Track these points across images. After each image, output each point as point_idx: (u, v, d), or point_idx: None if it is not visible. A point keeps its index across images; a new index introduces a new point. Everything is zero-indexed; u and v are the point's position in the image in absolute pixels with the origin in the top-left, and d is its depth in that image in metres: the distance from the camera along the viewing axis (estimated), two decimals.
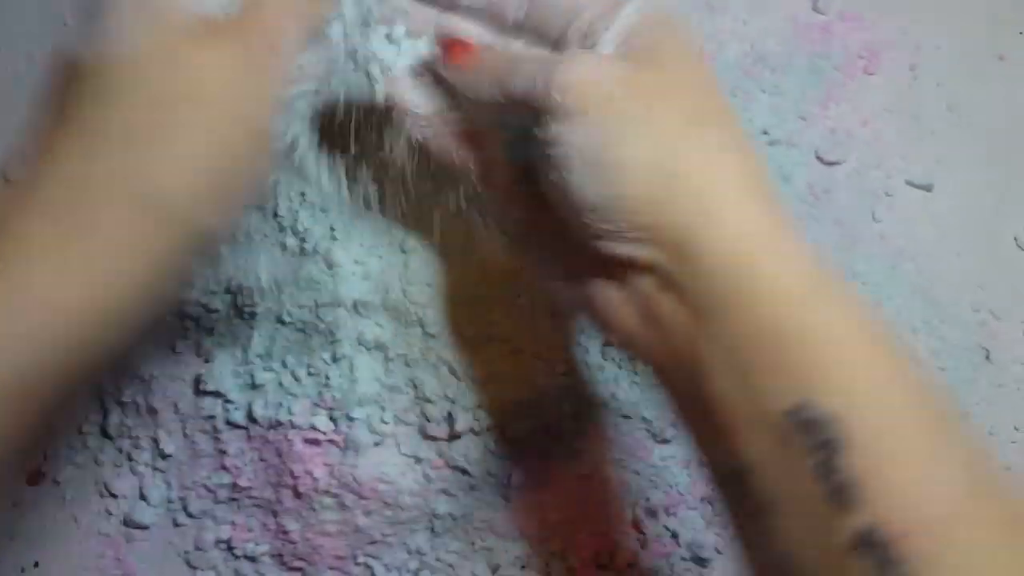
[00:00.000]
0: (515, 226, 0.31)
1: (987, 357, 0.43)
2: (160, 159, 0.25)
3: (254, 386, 0.39)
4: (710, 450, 0.25)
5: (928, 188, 0.45)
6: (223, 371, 0.39)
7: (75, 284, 0.24)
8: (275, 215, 0.38)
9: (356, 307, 0.38)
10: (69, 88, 0.26)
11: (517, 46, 0.28)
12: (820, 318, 0.22)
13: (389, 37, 0.30)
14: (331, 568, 0.40)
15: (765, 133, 0.44)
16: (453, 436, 0.38)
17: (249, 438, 0.40)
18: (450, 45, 0.28)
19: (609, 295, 0.26)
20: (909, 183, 0.45)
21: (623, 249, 0.25)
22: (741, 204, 0.24)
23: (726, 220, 0.24)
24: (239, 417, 0.39)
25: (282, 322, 0.38)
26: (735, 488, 0.23)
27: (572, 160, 0.24)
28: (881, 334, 0.23)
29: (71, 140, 0.25)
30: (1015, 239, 0.45)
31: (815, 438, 0.21)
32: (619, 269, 0.26)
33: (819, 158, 0.45)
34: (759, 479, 0.22)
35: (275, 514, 0.40)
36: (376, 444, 0.38)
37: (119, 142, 0.24)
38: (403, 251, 0.38)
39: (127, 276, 0.24)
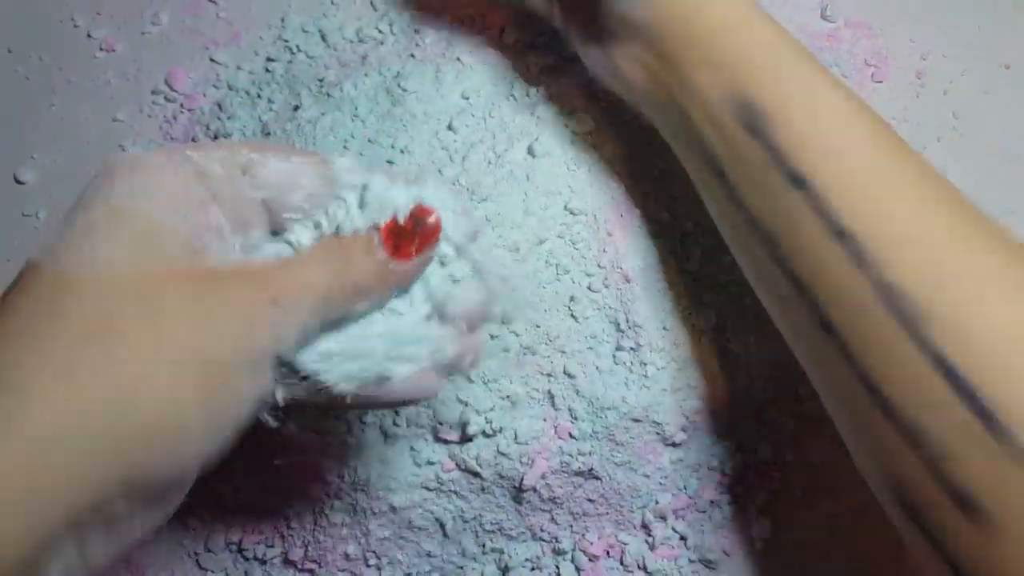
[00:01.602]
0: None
1: None
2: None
3: None
4: (690, 152, 0.34)
5: None
6: None
7: None
8: None
9: None
10: (25, 292, 0.21)
11: None
12: (755, 36, 0.31)
13: None
14: (341, 570, 0.40)
15: None
16: (465, 439, 0.39)
17: (260, 440, 0.40)
18: None
19: (620, 54, 0.34)
20: None
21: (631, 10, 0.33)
22: None
23: None
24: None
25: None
26: (709, 171, 0.33)
27: None
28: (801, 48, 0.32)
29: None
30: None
31: (752, 118, 0.30)
32: (627, 30, 0.33)
33: None
34: (721, 159, 0.32)
35: (286, 517, 0.40)
36: (388, 446, 0.38)
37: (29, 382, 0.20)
38: None
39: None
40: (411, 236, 0.25)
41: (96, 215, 0.22)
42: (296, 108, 0.43)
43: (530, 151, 0.40)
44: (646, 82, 0.34)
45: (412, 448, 0.39)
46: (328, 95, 0.43)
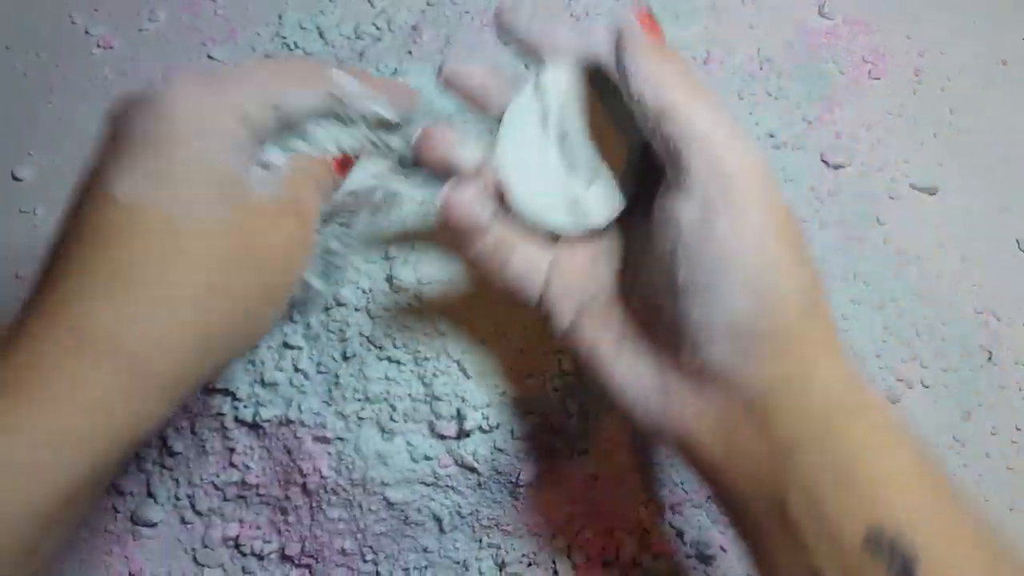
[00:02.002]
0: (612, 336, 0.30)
1: (989, 359, 0.44)
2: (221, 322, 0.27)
3: (263, 384, 0.39)
4: (787, 566, 0.25)
5: (932, 191, 0.46)
6: (232, 369, 0.39)
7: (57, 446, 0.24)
8: None
9: (367, 306, 0.38)
10: (104, 226, 0.26)
11: None
12: (888, 462, 0.24)
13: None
14: (339, 565, 0.40)
15: (771, 136, 0.44)
16: (462, 434, 0.39)
17: (258, 436, 0.40)
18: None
19: (695, 416, 0.27)
20: (913, 186, 0.46)
21: (741, 370, 0.25)
22: (841, 357, 0.26)
23: (833, 367, 0.26)
24: (248, 415, 0.39)
25: (292, 320, 0.39)
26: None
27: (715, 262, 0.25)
28: (934, 468, 0.25)
29: (85, 280, 0.25)
30: (1017, 242, 0.45)
31: (891, 558, 0.23)
32: (710, 387, 0.26)
33: (824, 161, 0.45)
34: None
35: (283, 511, 0.40)
36: (385, 442, 0.38)
37: (147, 297, 0.25)
38: (413, 249, 0.38)
39: (104, 433, 0.25)
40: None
41: (175, 163, 0.26)
42: None
43: None
44: (731, 460, 0.26)
45: (409, 444, 0.39)
46: None
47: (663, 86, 0.25)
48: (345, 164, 0.33)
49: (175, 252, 0.26)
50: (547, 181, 0.30)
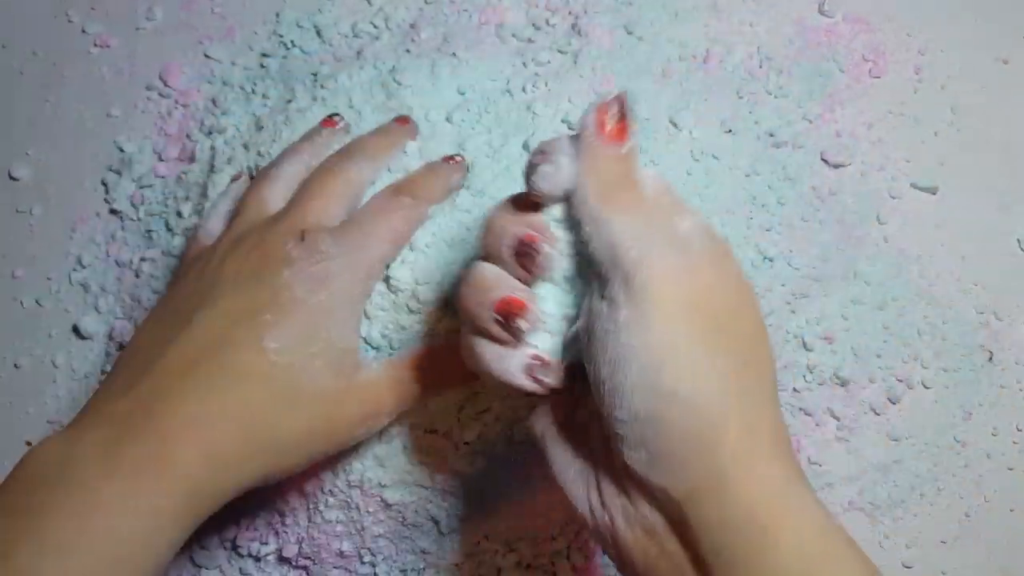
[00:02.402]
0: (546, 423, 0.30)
1: (990, 358, 0.43)
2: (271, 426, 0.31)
3: None
4: None
5: (932, 191, 0.45)
6: None
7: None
8: None
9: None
10: (243, 367, 0.31)
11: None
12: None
13: None
14: (336, 567, 0.40)
15: (771, 135, 0.44)
16: (460, 439, 0.38)
17: None
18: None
19: (622, 518, 0.26)
20: (914, 186, 0.46)
21: (655, 475, 0.25)
22: (771, 461, 0.25)
23: (754, 477, 0.24)
24: None
25: None
26: None
27: (630, 365, 0.24)
28: None
29: (215, 403, 0.30)
30: (1018, 241, 0.45)
31: None
32: (639, 491, 0.26)
33: (824, 160, 0.45)
34: None
35: (280, 513, 0.40)
36: (383, 443, 0.38)
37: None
38: (410, 249, 0.38)
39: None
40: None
41: (319, 333, 0.32)
42: (289, 102, 0.43)
43: (525, 147, 0.40)
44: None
45: (407, 447, 0.39)
46: (323, 87, 0.43)
47: (590, 194, 0.26)
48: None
49: (290, 406, 0.31)
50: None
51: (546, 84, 0.42)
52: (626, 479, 0.26)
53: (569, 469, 0.29)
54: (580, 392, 0.29)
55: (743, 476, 0.24)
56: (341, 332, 0.33)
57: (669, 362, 0.24)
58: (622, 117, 0.26)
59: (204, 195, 0.42)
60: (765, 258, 0.42)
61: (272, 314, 0.31)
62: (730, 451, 0.24)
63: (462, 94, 0.42)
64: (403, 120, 0.40)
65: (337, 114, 0.40)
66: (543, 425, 0.30)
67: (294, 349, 0.31)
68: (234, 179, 0.40)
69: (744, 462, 0.24)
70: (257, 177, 0.38)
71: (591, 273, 0.27)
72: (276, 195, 0.36)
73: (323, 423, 0.32)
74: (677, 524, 0.25)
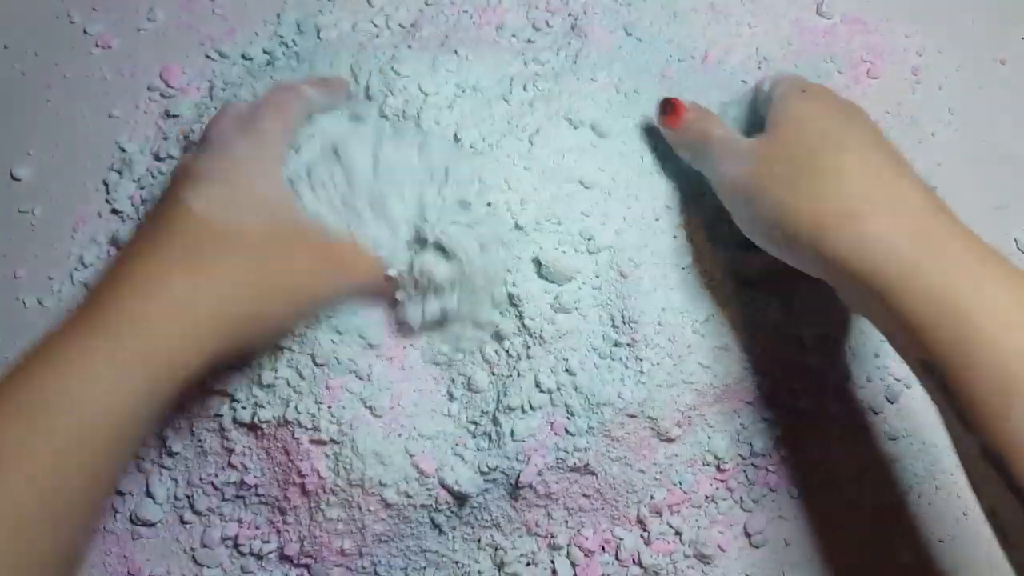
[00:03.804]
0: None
1: None
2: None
3: (261, 385, 0.39)
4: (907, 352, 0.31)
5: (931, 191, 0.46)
6: (230, 371, 0.39)
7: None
8: None
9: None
10: (179, 226, 0.33)
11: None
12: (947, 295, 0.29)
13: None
14: (337, 565, 0.40)
15: None
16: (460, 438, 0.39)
17: (256, 437, 0.40)
18: (666, 106, 0.39)
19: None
20: None
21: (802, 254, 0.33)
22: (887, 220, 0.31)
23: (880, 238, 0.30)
24: (246, 416, 0.39)
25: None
26: (926, 377, 0.30)
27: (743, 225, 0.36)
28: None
29: (163, 256, 0.33)
30: (1016, 241, 0.45)
31: (935, 380, 0.29)
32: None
33: None
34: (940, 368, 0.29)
35: (282, 512, 0.40)
36: (384, 442, 0.38)
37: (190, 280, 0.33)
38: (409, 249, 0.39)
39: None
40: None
41: (237, 190, 0.35)
42: None
43: (531, 141, 0.40)
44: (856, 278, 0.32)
45: (407, 444, 0.39)
46: None
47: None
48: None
49: (227, 249, 0.33)
50: None
51: (546, 84, 0.42)
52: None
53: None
54: None
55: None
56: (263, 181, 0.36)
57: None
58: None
59: None
60: None
61: (207, 180, 0.35)
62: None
63: (462, 91, 0.42)
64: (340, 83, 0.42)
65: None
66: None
67: (226, 204, 0.34)
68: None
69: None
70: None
71: None
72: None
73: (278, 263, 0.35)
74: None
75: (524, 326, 0.38)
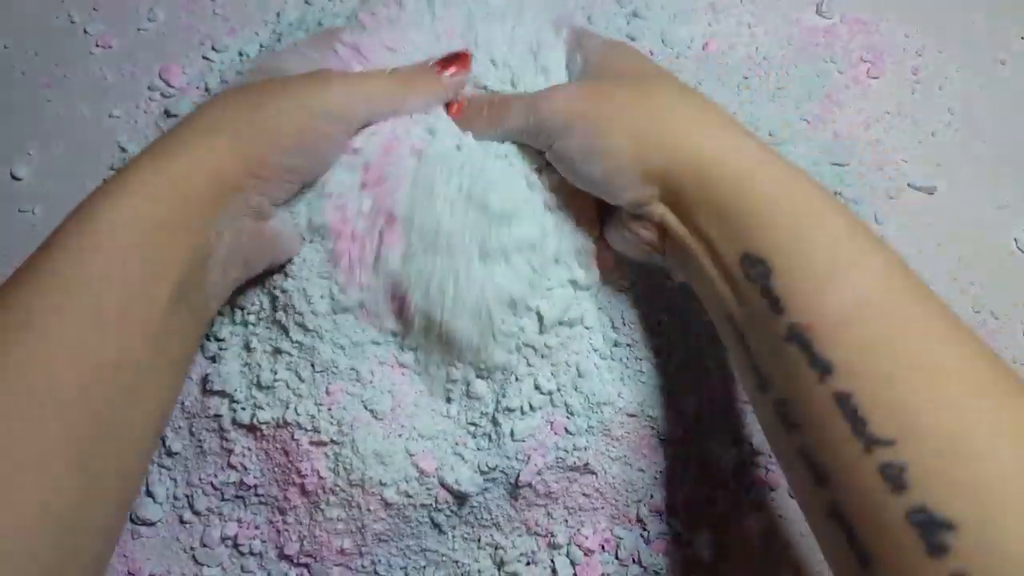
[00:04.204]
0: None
1: None
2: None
3: (260, 386, 0.39)
4: (705, 295, 0.34)
5: (930, 191, 0.46)
6: (230, 371, 0.39)
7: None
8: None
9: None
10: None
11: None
12: (759, 190, 0.31)
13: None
14: (336, 565, 0.40)
15: (770, 135, 0.44)
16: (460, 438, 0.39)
17: (256, 437, 0.40)
18: (450, 105, 0.40)
19: (640, 229, 0.36)
20: (911, 186, 0.46)
21: (633, 194, 0.34)
22: (693, 129, 0.33)
23: (693, 144, 0.33)
24: (245, 417, 0.39)
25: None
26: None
27: (576, 159, 0.35)
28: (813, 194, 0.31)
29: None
30: (1015, 240, 0.45)
31: (755, 270, 0.31)
32: (639, 208, 0.35)
33: (823, 160, 0.45)
34: (731, 307, 0.32)
35: (282, 512, 0.40)
36: (384, 441, 0.38)
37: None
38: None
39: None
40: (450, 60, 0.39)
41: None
42: None
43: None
44: (662, 240, 0.35)
45: (407, 444, 0.39)
46: None
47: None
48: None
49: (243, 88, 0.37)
50: None
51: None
52: (637, 210, 0.35)
53: (611, 234, 0.38)
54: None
55: (686, 147, 0.33)
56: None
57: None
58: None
59: None
60: None
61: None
62: (662, 143, 0.33)
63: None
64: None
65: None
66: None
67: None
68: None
69: (678, 141, 0.33)
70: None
71: None
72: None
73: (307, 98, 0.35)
74: (668, 203, 0.34)
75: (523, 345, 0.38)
